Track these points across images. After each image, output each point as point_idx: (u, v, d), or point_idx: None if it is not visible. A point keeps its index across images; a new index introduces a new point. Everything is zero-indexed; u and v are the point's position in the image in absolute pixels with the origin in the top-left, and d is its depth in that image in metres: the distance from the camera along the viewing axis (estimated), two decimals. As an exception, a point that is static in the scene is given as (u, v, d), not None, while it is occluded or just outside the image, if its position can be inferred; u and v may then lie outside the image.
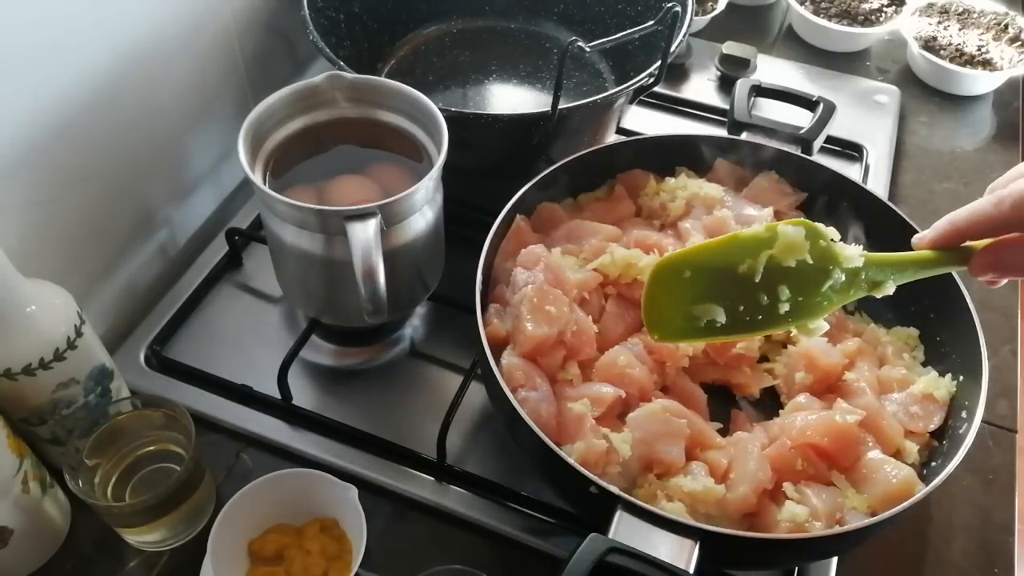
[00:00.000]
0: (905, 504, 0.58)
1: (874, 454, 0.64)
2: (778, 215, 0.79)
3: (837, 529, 0.59)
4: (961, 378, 0.68)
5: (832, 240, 0.57)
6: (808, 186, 0.80)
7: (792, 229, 0.56)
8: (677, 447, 0.63)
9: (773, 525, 0.61)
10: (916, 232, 0.72)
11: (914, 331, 0.74)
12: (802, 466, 0.64)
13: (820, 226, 0.57)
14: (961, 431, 0.64)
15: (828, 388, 0.70)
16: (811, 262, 0.56)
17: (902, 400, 0.68)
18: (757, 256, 0.56)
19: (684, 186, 0.78)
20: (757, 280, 0.57)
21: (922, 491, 0.59)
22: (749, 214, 0.77)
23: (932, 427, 0.67)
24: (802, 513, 0.60)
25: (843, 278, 0.57)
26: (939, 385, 0.68)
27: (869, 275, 0.57)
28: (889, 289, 0.58)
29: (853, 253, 0.57)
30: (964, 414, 0.65)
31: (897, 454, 0.65)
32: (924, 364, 0.72)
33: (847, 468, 0.64)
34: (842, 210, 0.78)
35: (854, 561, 0.70)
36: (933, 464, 0.66)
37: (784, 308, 0.57)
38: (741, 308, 0.58)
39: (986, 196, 0.52)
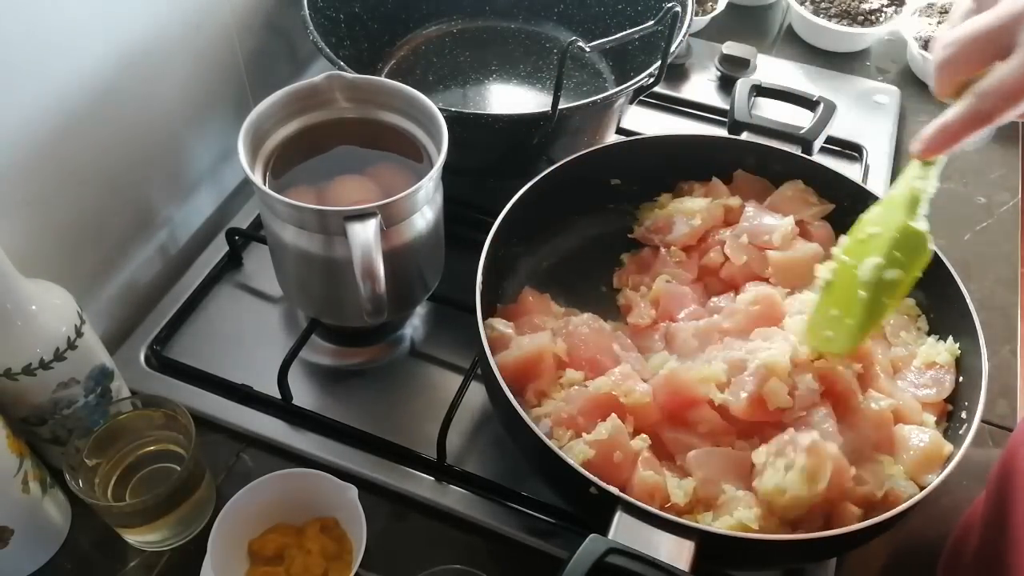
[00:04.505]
0: (904, 505, 0.58)
1: (898, 427, 0.65)
2: (801, 225, 0.77)
3: (837, 530, 0.59)
4: (961, 378, 0.68)
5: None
6: (808, 186, 0.80)
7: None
8: (743, 482, 0.62)
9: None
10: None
11: (911, 300, 0.74)
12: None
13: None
14: (961, 431, 0.64)
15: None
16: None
17: (911, 377, 0.69)
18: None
19: (701, 206, 0.78)
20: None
21: (923, 491, 0.59)
22: (769, 224, 0.76)
23: (945, 394, 0.67)
24: (877, 487, 0.61)
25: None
26: (939, 350, 0.68)
27: None
28: None
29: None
30: (964, 414, 0.65)
31: None
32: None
33: (885, 449, 0.65)
34: (842, 210, 0.78)
35: (853, 561, 0.70)
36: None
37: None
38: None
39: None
